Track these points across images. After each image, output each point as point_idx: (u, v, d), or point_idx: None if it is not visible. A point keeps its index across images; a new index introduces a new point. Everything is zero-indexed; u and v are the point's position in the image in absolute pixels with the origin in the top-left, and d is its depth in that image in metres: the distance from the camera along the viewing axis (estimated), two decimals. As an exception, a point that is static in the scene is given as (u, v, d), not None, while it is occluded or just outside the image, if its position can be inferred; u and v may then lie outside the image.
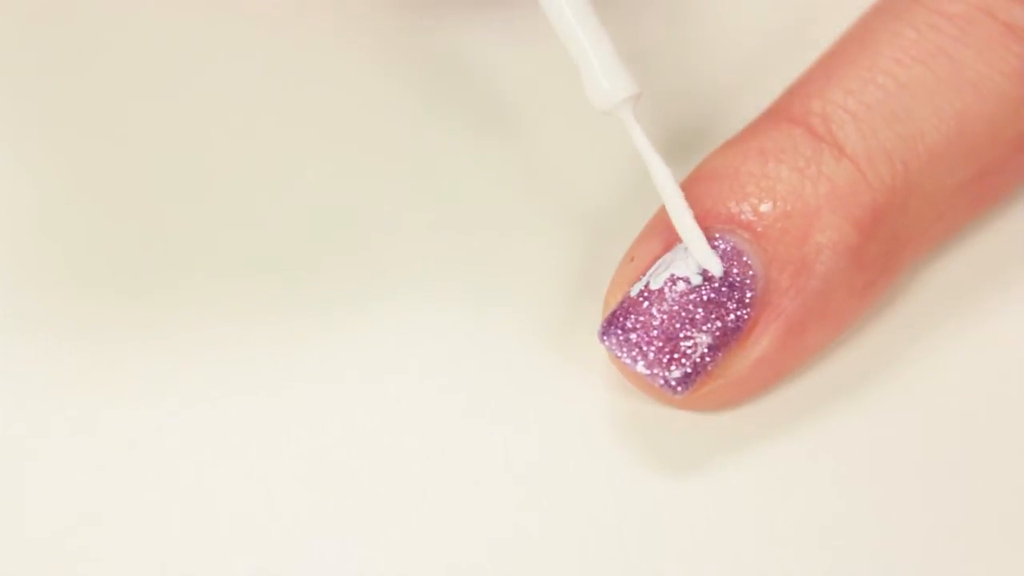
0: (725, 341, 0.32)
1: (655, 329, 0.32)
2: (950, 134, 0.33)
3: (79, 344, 0.35)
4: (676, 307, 0.32)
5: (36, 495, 0.33)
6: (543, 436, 0.33)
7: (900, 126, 0.33)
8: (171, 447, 0.33)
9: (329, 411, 0.34)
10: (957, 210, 0.34)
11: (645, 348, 0.32)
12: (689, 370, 0.32)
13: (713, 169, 0.33)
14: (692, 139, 0.37)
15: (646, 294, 0.32)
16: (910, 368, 0.34)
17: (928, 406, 0.33)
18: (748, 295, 0.32)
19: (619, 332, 0.32)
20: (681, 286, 0.32)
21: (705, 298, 0.32)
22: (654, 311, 0.32)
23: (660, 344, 0.32)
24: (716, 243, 0.32)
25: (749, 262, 0.32)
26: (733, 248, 0.32)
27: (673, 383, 0.32)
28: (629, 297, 0.32)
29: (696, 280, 0.32)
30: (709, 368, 0.32)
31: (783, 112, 0.33)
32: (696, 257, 0.32)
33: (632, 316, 0.32)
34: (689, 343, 0.32)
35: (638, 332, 0.32)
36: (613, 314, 0.32)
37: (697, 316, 0.32)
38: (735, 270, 0.32)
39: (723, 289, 0.32)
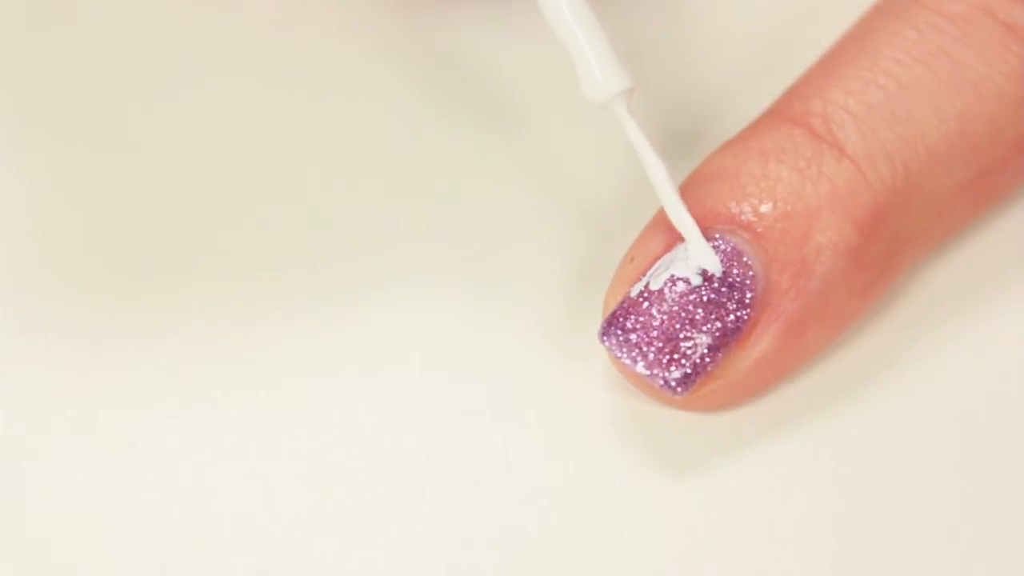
0: (725, 342, 0.32)
1: (655, 330, 0.32)
2: (950, 134, 0.33)
3: (79, 344, 0.35)
4: (676, 307, 0.32)
5: (36, 495, 0.33)
6: (543, 436, 0.33)
7: (900, 126, 0.33)
8: (171, 447, 0.33)
9: (329, 411, 0.34)
10: (957, 210, 0.34)
11: (645, 348, 0.32)
12: (689, 371, 0.32)
13: (713, 169, 0.33)
14: (692, 139, 0.37)
15: (646, 294, 0.32)
16: (910, 368, 0.34)
17: (928, 406, 0.33)
18: (748, 296, 0.32)
19: (619, 332, 0.32)
20: (681, 287, 0.32)
21: (705, 299, 0.32)
22: (654, 311, 0.32)
23: (660, 345, 0.32)
24: (716, 243, 0.32)
25: (749, 262, 0.32)
26: (733, 248, 0.32)
27: (673, 383, 0.32)
28: (629, 297, 0.32)
29: (696, 281, 0.32)
30: (709, 369, 0.32)
31: (783, 112, 0.33)
32: (691, 249, 0.32)
33: (632, 316, 0.32)
34: (689, 344, 0.32)
35: (638, 332, 0.32)
36: (613, 314, 0.32)
37: (697, 317, 0.32)
38: (735, 270, 0.32)
39: (723, 290, 0.32)
